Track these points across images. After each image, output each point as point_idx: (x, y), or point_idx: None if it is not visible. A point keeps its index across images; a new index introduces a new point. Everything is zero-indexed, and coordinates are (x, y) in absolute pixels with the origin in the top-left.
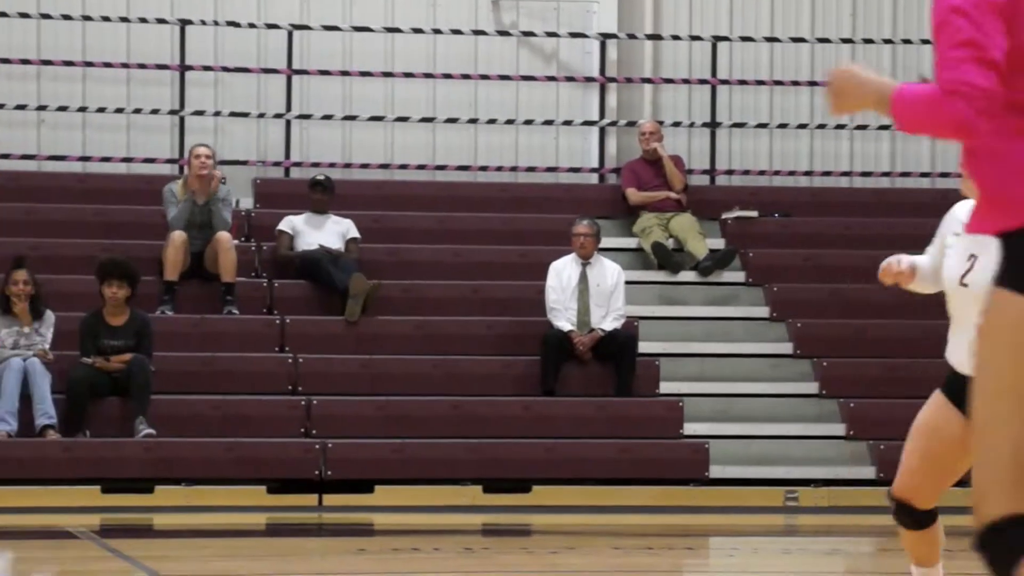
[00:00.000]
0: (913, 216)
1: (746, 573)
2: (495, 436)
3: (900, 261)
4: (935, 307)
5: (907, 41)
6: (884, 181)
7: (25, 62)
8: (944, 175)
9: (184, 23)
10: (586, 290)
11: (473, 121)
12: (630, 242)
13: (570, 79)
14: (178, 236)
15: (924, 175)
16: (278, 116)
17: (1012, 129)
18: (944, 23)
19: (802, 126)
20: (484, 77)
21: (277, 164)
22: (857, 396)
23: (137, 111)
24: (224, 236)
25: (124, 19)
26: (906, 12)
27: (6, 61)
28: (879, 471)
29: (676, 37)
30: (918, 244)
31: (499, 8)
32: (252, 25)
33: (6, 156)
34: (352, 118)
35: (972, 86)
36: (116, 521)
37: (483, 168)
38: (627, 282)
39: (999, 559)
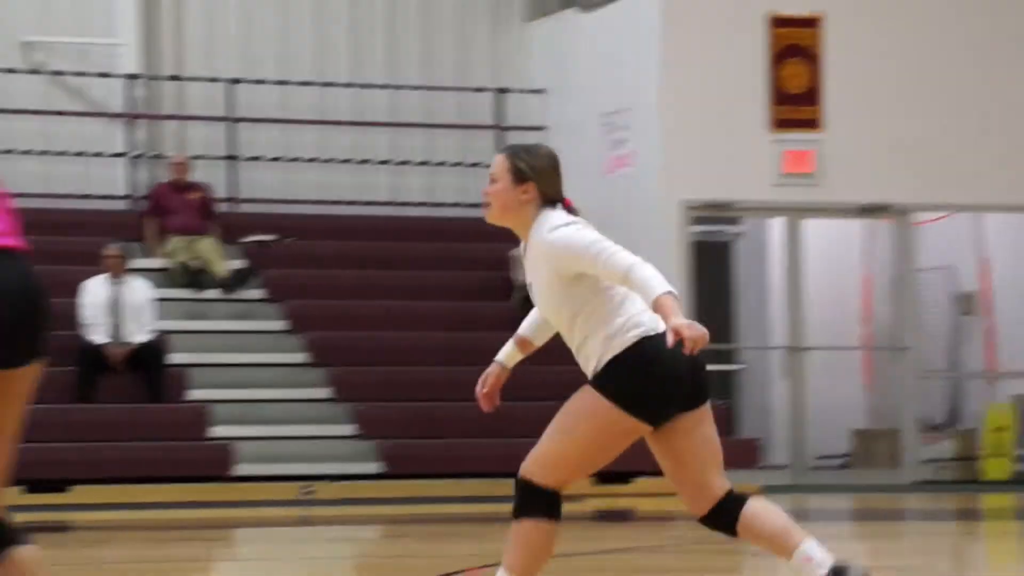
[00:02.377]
0: (405, 240)
1: (266, 560)
2: (35, 440)
3: (485, 379)
4: (431, 319)
5: (398, 87)
6: (384, 209)
7: None
8: (407, 204)
9: None
10: (118, 306)
11: (9, 152)
12: (160, 262)
13: (100, 114)
14: None
15: (420, 204)
16: None
17: None
18: None
19: (312, 160)
20: (19, 111)
21: None
22: (366, 399)
23: None
24: None
25: None
26: (403, 59)
27: None
28: (385, 465)
29: (195, 78)
30: (402, 265)
31: (31, 48)
32: None
33: None
34: None
35: None
36: None
37: (21, 194)
38: (158, 299)
39: None
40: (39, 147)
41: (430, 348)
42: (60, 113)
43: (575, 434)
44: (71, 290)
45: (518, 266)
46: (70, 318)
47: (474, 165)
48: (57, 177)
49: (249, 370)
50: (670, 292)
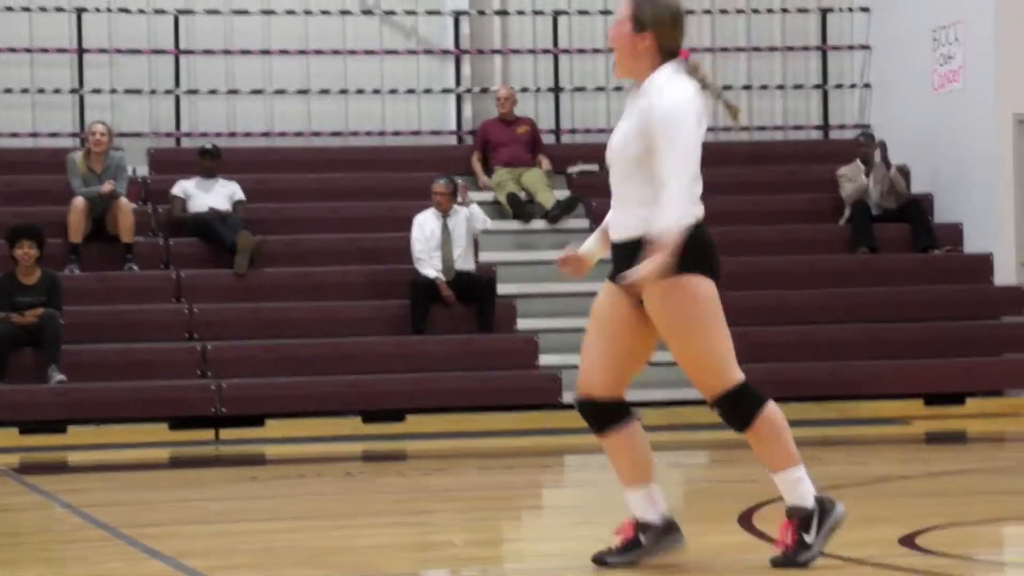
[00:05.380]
0: (725, 166)
1: (597, 485)
2: (371, 372)
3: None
4: (760, 245)
5: (723, 11)
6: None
7: None
8: (730, 128)
9: (80, 11)
10: (448, 240)
11: (343, 92)
12: (487, 195)
13: (428, 52)
14: (79, 202)
15: (743, 129)
16: (168, 92)
17: None
18: None
19: None
20: (352, 52)
21: (169, 135)
22: None
23: (40, 91)
24: (123, 201)
25: (26, 8)
26: None
27: None
28: None
29: (521, 12)
30: (735, 190)
31: None
32: (142, 11)
33: None
34: (235, 92)
35: None
36: (34, 459)
37: (354, 133)
38: (484, 231)
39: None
40: (373, 86)
41: (760, 274)
42: (392, 52)
43: (709, 335)
44: (404, 225)
45: (845, 183)
46: (403, 252)
47: (798, 87)
48: (390, 115)
49: (576, 299)
50: (678, 231)
